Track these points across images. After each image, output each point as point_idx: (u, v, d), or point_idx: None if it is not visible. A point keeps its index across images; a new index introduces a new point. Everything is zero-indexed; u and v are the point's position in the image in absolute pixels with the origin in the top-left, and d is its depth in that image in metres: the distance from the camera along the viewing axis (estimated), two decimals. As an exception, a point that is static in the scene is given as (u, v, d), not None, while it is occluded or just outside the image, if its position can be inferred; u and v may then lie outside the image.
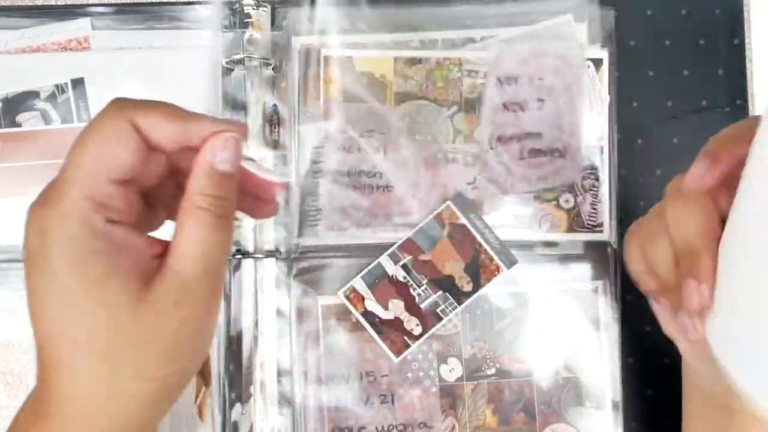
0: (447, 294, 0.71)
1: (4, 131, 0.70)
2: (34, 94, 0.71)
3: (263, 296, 0.70)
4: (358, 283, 0.71)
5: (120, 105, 0.44)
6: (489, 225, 0.71)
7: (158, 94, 0.69)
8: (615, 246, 0.71)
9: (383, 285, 0.71)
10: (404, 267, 0.71)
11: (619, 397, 0.70)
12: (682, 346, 0.57)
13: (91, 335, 0.42)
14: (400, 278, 0.71)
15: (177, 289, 0.43)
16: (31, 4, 0.73)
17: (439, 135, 0.72)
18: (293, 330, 0.71)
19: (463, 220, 0.71)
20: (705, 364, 0.54)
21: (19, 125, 0.71)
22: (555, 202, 0.71)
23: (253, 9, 0.71)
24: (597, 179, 0.71)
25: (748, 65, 0.73)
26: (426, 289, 0.71)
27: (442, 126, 0.72)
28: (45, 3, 0.73)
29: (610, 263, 0.71)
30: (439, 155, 0.71)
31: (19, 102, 0.71)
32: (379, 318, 0.70)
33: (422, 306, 0.71)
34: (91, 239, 0.42)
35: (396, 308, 0.71)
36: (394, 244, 0.71)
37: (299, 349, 0.71)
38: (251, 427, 0.69)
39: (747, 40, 0.73)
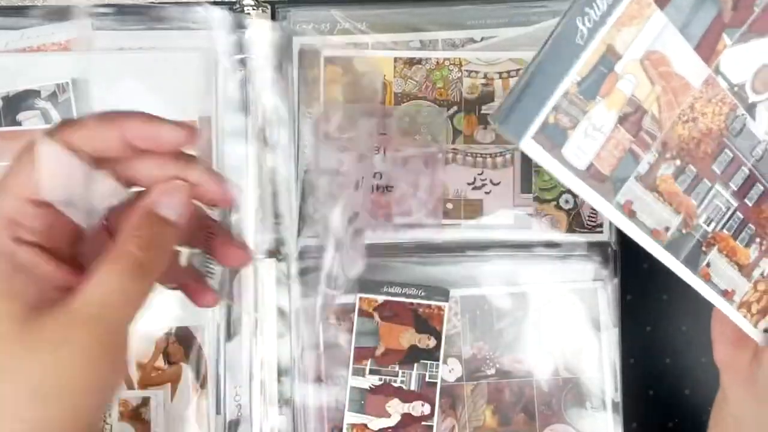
0: (422, 361, 0.71)
1: (4, 130, 0.70)
2: (35, 93, 0.71)
3: (263, 296, 0.70)
4: (351, 418, 0.71)
5: (56, 126, 0.41)
6: (396, 281, 0.71)
7: (159, 94, 0.70)
8: (615, 246, 0.71)
9: (370, 400, 0.71)
10: (372, 372, 0.71)
11: (619, 398, 0.70)
12: (727, 378, 0.60)
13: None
14: (377, 383, 0.71)
15: (63, 328, 0.39)
16: (30, 4, 0.73)
17: (438, 135, 0.72)
18: (293, 330, 0.71)
19: (382, 297, 0.71)
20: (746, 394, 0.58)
21: (20, 124, 0.71)
22: (555, 203, 0.71)
23: (253, 9, 0.71)
24: (597, 180, 0.71)
25: (747, 66, 0.73)
26: (404, 372, 0.71)
27: (442, 126, 0.72)
28: (45, 3, 0.73)
29: (610, 264, 0.71)
30: (438, 155, 0.71)
31: (20, 101, 0.71)
32: (392, 428, 0.71)
33: (413, 388, 0.70)
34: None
35: (395, 408, 0.70)
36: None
37: (299, 349, 0.71)
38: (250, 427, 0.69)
39: (746, 41, 0.73)
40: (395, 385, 0.70)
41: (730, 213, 0.55)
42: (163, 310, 0.70)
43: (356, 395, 0.70)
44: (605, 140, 0.48)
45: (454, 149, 0.72)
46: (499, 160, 0.72)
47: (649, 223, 0.51)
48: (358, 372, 0.70)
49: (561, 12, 0.70)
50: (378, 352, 0.70)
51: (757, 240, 0.56)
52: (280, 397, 0.70)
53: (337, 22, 0.72)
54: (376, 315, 0.70)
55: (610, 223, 0.71)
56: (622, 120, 0.48)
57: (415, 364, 0.70)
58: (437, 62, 0.72)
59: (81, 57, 0.71)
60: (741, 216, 0.55)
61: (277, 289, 0.70)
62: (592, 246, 0.72)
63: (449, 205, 0.71)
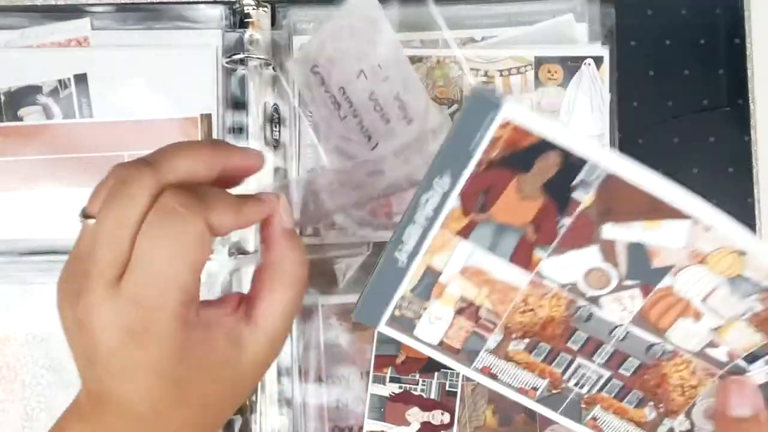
0: (443, 370, 0.70)
1: (5, 125, 0.70)
2: (37, 89, 0.71)
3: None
4: (371, 425, 0.70)
5: (194, 208, 0.46)
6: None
7: (160, 91, 0.70)
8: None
9: (390, 408, 0.70)
10: (392, 380, 0.71)
11: (620, 397, 0.70)
12: None
13: (198, 400, 0.48)
14: (397, 391, 0.70)
15: (267, 345, 0.50)
16: (30, 4, 0.73)
17: (439, 134, 0.71)
18: (293, 329, 0.70)
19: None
20: None
21: (21, 119, 0.71)
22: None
23: (253, 9, 0.71)
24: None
25: (748, 65, 0.73)
26: (424, 381, 0.70)
27: (443, 124, 0.72)
28: (45, 3, 0.73)
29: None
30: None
31: (22, 96, 0.70)
32: None
33: (433, 396, 0.70)
34: (191, 333, 0.46)
35: (415, 417, 0.70)
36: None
37: (299, 349, 0.70)
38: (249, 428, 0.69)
39: (747, 40, 0.73)
40: (415, 393, 0.70)
41: (604, 380, 0.56)
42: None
43: (376, 402, 0.70)
44: (448, 326, 0.55)
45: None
46: (499, 160, 0.72)
47: (515, 384, 0.57)
48: (379, 380, 0.70)
49: (561, 12, 0.71)
50: (399, 360, 0.70)
51: (651, 403, 0.56)
52: (280, 397, 0.70)
53: (337, 22, 0.72)
54: None
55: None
56: (459, 312, 0.54)
57: (436, 373, 0.70)
58: (437, 60, 0.72)
59: (83, 53, 0.71)
60: (620, 383, 0.56)
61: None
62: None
63: (449, 206, 0.71)
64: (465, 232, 0.51)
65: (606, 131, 0.71)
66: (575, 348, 0.55)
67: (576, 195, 0.48)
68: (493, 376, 0.57)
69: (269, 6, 0.72)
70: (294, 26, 0.72)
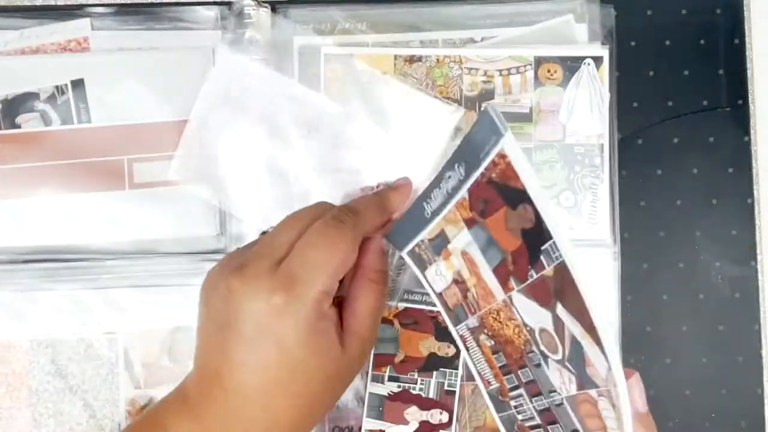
0: (441, 369, 0.71)
1: (4, 133, 0.70)
2: (34, 96, 0.71)
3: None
4: (369, 424, 0.70)
5: (347, 223, 0.56)
6: (416, 289, 0.71)
7: (158, 94, 0.70)
8: (615, 246, 0.71)
9: (388, 407, 0.71)
10: (390, 379, 0.71)
11: (619, 397, 0.70)
12: None
13: (304, 387, 0.54)
14: (396, 390, 0.71)
15: (360, 348, 0.56)
16: (30, 4, 0.73)
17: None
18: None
19: (402, 305, 0.71)
20: None
21: (19, 127, 0.71)
22: (555, 200, 0.71)
23: (253, 9, 0.71)
24: (597, 177, 0.71)
25: (748, 65, 0.73)
26: (422, 380, 0.70)
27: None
28: (44, 3, 0.73)
29: (610, 263, 0.71)
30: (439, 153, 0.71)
31: (19, 103, 0.70)
32: None
33: (432, 395, 0.71)
34: (319, 322, 0.53)
35: (413, 416, 0.70)
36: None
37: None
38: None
39: (747, 40, 0.73)
40: (414, 392, 0.70)
41: (535, 423, 0.58)
42: (168, 309, 0.70)
43: (375, 401, 0.71)
44: (447, 285, 0.60)
45: (454, 147, 0.71)
46: (499, 157, 0.72)
47: (478, 366, 0.61)
48: (377, 379, 0.71)
49: (561, 12, 0.71)
50: (397, 360, 0.71)
51: None
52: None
53: (337, 22, 0.72)
54: (396, 322, 0.71)
55: (611, 222, 0.71)
56: (455, 281, 0.59)
57: (435, 372, 0.70)
58: (437, 60, 0.72)
59: (80, 58, 0.71)
60: None
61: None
62: (593, 245, 0.71)
63: (449, 204, 0.72)
64: (468, 224, 0.54)
65: (606, 131, 0.71)
66: (523, 380, 0.57)
67: (543, 258, 0.49)
68: (467, 348, 0.62)
69: (269, 6, 0.72)
70: (294, 26, 0.72)
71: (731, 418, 0.71)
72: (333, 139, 0.70)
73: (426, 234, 0.59)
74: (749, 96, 0.73)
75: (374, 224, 0.60)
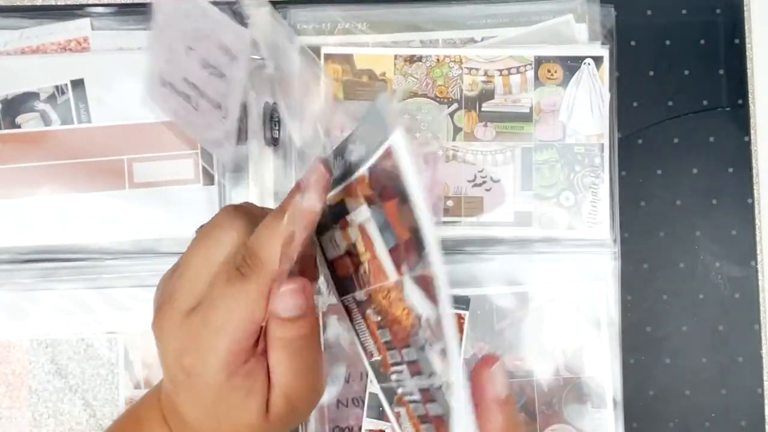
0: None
1: (4, 133, 0.71)
2: (34, 96, 0.71)
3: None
4: (370, 424, 0.70)
5: (260, 278, 0.50)
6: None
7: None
8: (615, 246, 0.71)
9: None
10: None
11: (620, 398, 0.70)
12: None
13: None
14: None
15: (287, 414, 0.52)
16: (30, 4, 0.73)
17: (439, 132, 0.72)
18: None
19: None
20: None
21: (19, 126, 0.71)
22: (555, 200, 0.71)
23: (254, 9, 0.71)
24: (597, 177, 0.71)
25: (748, 65, 0.73)
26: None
27: (443, 123, 0.72)
28: (44, 3, 0.73)
29: (610, 263, 0.71)
30: (439, 153, 0.71)
31: (19, 103, 0.71)
32: None
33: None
34: (228, 383, 0.49)
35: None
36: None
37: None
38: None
39: (747, 40, 0.73)
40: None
41: (414, 398, 0.56)
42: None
43: (375, 402, 0.71)
44: (338, 255, 0.57)
45: (454, 146, 0.72)
46: (499, 157, 0.72)
47: (362, 338, 0.58)
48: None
49: (561, 12, 0.71)
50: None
51: None
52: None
53: (337, 22, 0.72)
54: None
55: (611, 222, 0.71)
56: (348, 253, 0.56)
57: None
58: (437, 59, 0.72)
59: (80, 58, 0.71)
60: (424, 412, 0.56)
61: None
62: (593, 244, 0.72)
63: (450, 203, 0.71)
64: (368, 201, 0.51)
65: (606, 131, 0.71)
66: (405, 358, 0.56)
67: (423, 262, 0.48)
68: (351, 320, 0.59)
69: (269, 6, 0.72)
70: (294, 26, 0.72)
71: (731, 418, 0.71)
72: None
73: (331, 194, 0.56)
74: (749, 96, 0.73)
75: (282, 270, 0.52)
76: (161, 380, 0.55)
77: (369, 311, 0.57)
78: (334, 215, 0.56)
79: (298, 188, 0.51)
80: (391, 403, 0.59)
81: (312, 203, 0.50)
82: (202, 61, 0.67)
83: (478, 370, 0.50)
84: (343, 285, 0.59)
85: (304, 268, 0.55)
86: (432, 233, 0.45)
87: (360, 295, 0.57)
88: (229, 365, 0.49)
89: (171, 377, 0.51)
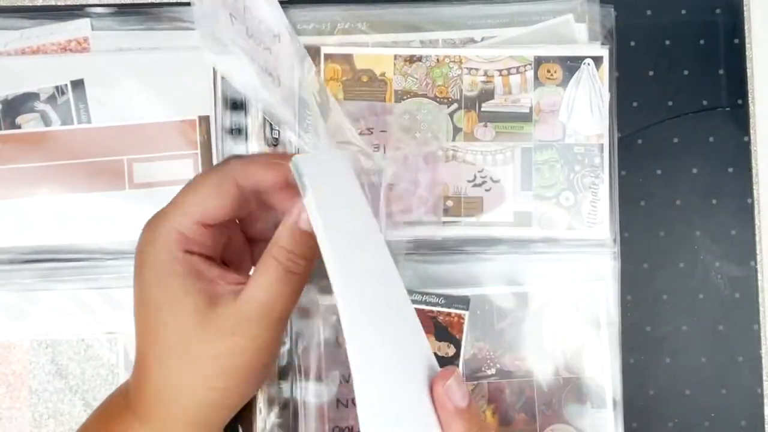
0: None
1: (4, 133, 0.71)
2: (34, 96, 0.71)
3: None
4: None
5: (229, 164, 0.55)
6: (416, 289, 0.71)
7: (158, 94, 0.70)
8: (615, 246, 0.71)
9: None
10: None
11: (620, 398, 0.70)
12: None
13: (171, 340, 0.52)
14: None
15: (233, 321, 0.52)
16: (30, 4, 0.73)
17: (439, 132, 0.72)
18: (293, 329, 0.71)
19: None
20: None
21: (19, 127, 0.71)
22: (555, 200, 0.71)
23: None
24: (597, 177, 0.71)
25: (748, 65, 0.73)
26: None
27: (443, 123, 0.72)
28: (44, 3, 0.73)
29: (610, 263, 0.71)
30: (439, 153, 0.71)
31: (19, 104, 0.71)
32: None
33: None
34: (172, 263, 0.52)
35: None
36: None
37: (299, 348, 0.71)
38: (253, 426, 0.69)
39: (747, 40, 0.73)
40: None
41: None
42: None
43: None
44: None
45: (454, 146, 0.72)
46: (499, 157, 0.72)
47: None
48: None
49: (561, 12, 0.71)
50: None
51: None
52: (279, 397, 0.70)
53: (337, 22, 0.72)
54: None
55: (611, 222, 0.71)
56: None
57: None
58: (437, 60, 0.72)
59: (80, 58, 0.71)
60: None
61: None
62: (592, 244, 0.72)
63: (449, 203, 0.71)
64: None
65: (605, 131, 0.71)
66: None
67: None
68: None
69: (269, 6, 0.72)
70: (294, 26, 0.72)
71: (731, 418, 0.71)
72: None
73: None
74: (749, 96, 0.73)
75: (258, 173, 0.56)
76: (126, 381, 0.58)
77: None
78: None
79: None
80: None
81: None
82: (247, 30, 0.67)
83: (434, 386, 0.51)
84: None
85: None
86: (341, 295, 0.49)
87: None
88: (174, 244, 0.53)
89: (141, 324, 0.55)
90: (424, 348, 0.53)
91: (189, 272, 0.53)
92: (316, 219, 0.50)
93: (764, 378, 0.72)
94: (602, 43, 0.71)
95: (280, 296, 0.53)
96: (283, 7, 0.72)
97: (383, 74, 0.72)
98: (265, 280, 0.53)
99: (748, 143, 0.72)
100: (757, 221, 0.72)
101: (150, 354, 0.54)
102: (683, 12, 0.73)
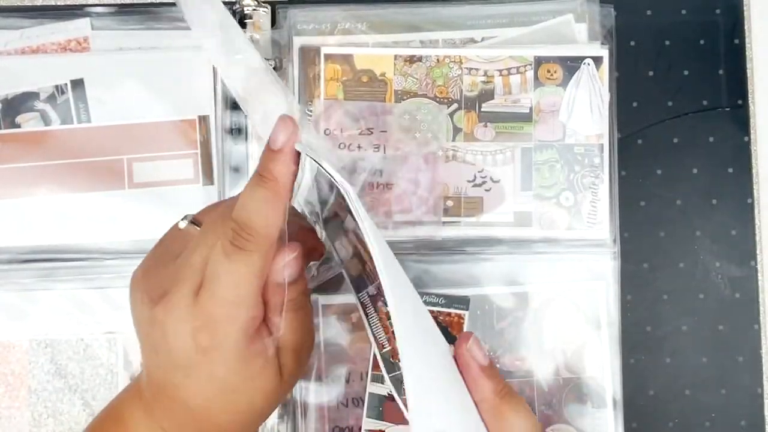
0: None
1: (4, 133, 0.71)
2: (34, 95, 0.71)
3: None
4: (369, 424, 0.70)
5: (259, 248, 0.51)
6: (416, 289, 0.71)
7: (158, 94, 0.70)
8: (615, 245, 0.71)
9: (388, 407, 0.70)
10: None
11: (620, 397, 0.70)
12: None
13: (246, 405, 0.54)
14: None
15: (296, 369, 0.56)
16: (30, 4, 0.73)
17: (439, 133, 0.72)
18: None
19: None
20: None
21: (19, 126, 0.71)
22: (555, 200, 0.71)
23: (253, 9, 0.71)
24: (597, 177, 0.71)
25: (748, 65, 0.73)
26: None
27: (442, 123, 0.72)
28: (45, 3, 0.73)
29: (610, 263, 0.71)
30: (439, 153, 0.71)
31: (19, 103, 0.71)
32: None
33: None
34: (250, 347, 0.52)
35: None
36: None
37: (299, 348, 0.71)
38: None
39: (747, 40, 0.73)
40: None
41: None
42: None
43: (375, 402, 0.70)
44: (349, 257, 0.62)
45: (454, 147, 0.72)
46: (499, 157, 0.72)
47: (374, 330, 0.62)
48: (377, 379, 0.70)
49: (561, 12, 0.71)
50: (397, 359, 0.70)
51: None
52: (280, 397, 0.70)
53: (337, 22, 0.72)
54: None
55: (610, 222, 0.71)
56: (355, 254, 0.61)
57: None
58: (437, 60, 0.72)
59: (80, 58, 0.71)
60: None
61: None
62: (592, 244, 0.72)
63: (449, 203, 0.71)
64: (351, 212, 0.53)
65: (605, 131, 0.71)
66: None
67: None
68: (366, 314, 0.61)
69: (269, 6, 0.72)
70: (294, 26, 0.72)
71: (731, 418, 0.71)
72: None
73: (326, 213, 0.61)
74: (749, 96, 0.73)
75: (274, 234, 0.53)
76: (138, 377, 0.57)
77: (380, 303, 0.60)
78: (336, 225, 0.60)
79: (270, 150, 0.52)
80: (399, 393, 0.60)
81: (285, 164, 0.52)
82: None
83: (457, 348, 0.55)
84: (357, 283, 0.62)
85: (312, 247, 0.60)
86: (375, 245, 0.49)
87: (372, 289, 0.60)
88: (248, 334, 0.52)
89: (179, 362, 0.52)
90: (439, 334, 0.57)
91: (263, 346, 0.54)
92: (358, 210, 0.50)
93: (764, 378, 0.72)
94: (602, 43, 0.71)
95: (298, 333, 0.56)
96: (283, 7, 0.72)
97: (383, 74, 0.72)
98: (290, 323, 0.55)
99: (748, 143, 0.73)
100: (757, 221, 0.72)
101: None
102: (683, 12, 0.73)
